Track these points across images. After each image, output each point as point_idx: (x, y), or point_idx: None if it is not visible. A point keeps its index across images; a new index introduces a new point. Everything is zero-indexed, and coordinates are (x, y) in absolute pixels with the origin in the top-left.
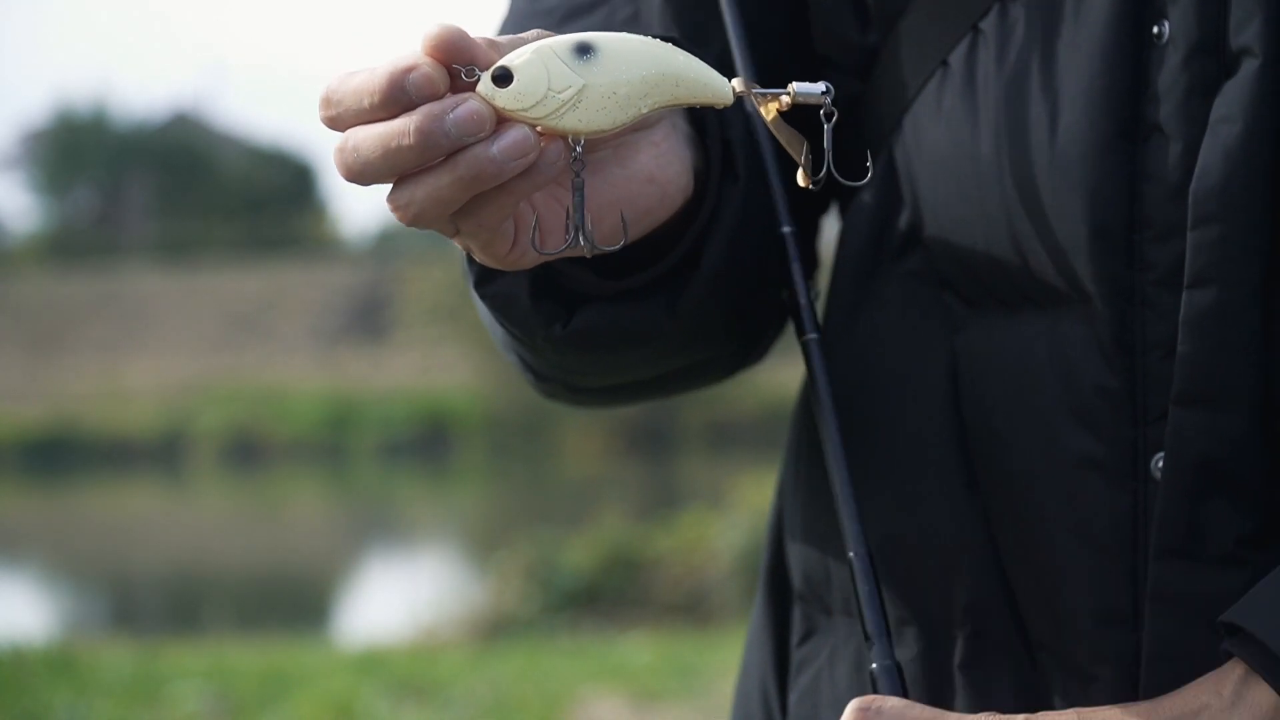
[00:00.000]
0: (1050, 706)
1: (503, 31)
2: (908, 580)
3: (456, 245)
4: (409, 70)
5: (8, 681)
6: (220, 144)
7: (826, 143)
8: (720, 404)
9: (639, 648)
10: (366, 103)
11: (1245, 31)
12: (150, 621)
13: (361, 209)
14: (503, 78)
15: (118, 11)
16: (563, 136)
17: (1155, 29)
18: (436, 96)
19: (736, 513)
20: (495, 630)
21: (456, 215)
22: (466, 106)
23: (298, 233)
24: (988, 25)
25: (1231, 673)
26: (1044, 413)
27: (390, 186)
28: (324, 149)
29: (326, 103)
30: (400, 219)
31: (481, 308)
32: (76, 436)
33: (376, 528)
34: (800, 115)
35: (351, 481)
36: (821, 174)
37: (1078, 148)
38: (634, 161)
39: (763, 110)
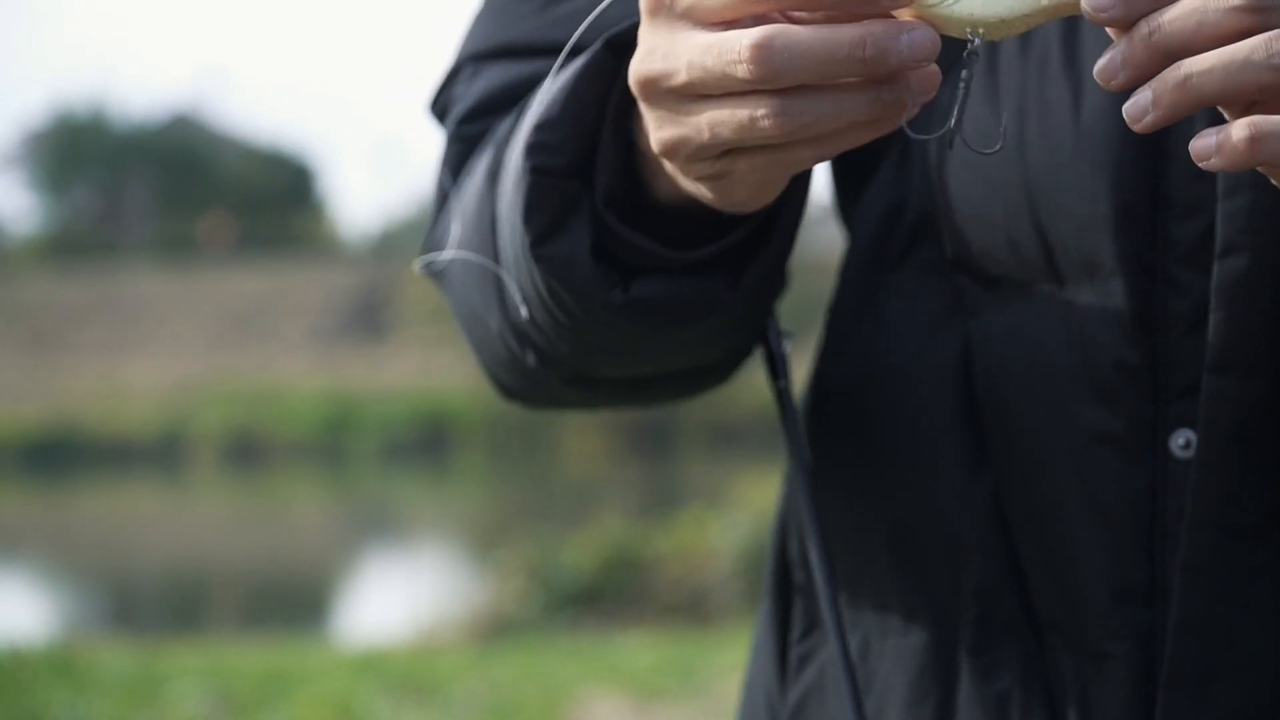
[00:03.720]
0: (1059, 687)
1: (481, 18)
2: (918, 573)
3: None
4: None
5: (7, 681)
6: (220, 145)
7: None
8: (720, 404)
9: (639, 648)
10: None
11: None
12: (150, 621)
13: (361, 209)
14: None
15: (118, 12)
16: (955, 31)
17: None
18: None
19: (736, 512)
20: (495, 630)
21: (773, 149)
22: (923, 34)
23: (297, 233)
24: None
25: None
26: (1060, 390)
27: None
28: (323, 149)
29: None
30: (739, 131)
31: (524, 277)
32: (76, 436)
33: (376, 528)
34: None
35: (351, 482)
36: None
37: (1102, 126)
38: None
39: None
